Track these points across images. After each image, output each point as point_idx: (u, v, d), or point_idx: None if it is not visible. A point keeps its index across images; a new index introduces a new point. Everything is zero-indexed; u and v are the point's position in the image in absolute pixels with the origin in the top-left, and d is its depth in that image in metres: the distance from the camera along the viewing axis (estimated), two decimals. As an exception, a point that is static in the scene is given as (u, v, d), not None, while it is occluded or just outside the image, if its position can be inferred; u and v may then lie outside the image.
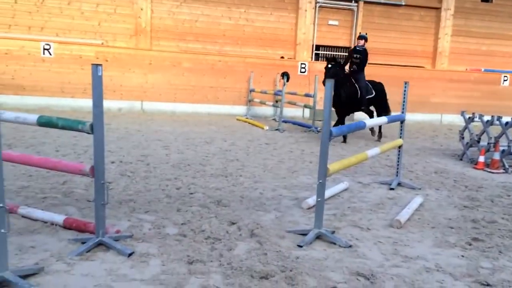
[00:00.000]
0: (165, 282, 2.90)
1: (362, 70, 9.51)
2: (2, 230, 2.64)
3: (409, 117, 13.01)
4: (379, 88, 9.84)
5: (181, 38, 13.30)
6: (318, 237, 3.76)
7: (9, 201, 4.08)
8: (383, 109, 9.92)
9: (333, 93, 8.17)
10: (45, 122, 3.36)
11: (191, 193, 4.89)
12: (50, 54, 11.58)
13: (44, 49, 11.52)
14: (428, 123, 14.25)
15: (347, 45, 14.89)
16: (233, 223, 4.00)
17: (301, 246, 3.59)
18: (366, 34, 9.77)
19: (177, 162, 6.39)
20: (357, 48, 9.51)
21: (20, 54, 11.40)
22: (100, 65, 3.14)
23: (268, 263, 3.23)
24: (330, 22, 14.71)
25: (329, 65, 9.02)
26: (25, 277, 2.80)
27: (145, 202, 4.48)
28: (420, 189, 5.67)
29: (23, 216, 3.84)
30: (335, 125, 8.80)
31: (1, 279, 2.68)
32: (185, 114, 12.37)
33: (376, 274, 3.17)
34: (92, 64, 3.11)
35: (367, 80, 9.67)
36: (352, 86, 9.27)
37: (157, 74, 12.47)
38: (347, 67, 9.57)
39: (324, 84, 7.69)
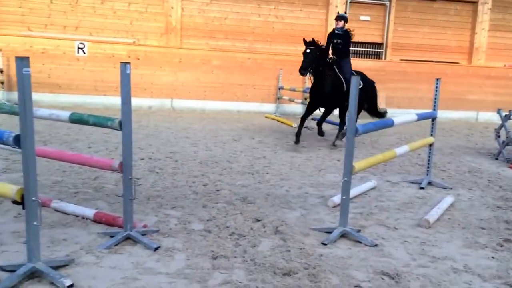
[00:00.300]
0: (189, 276, 2.96)
1: (346, 56, 8.06)
2: (35, 223, 2.74)
3: (443, 114, 12.74)
4: (369, 82, 8.37)
5: (211, 35, 13.40)
6: (343, 235, 3.74)
7: (43, 195, 4.24)
8: (370, 106, 8.61)
9: (314, 84, 7.59)
10: (77, 119, 3.47)
11: (218, 190, 4.94)
12: (84, 53, 11.89)
13: (79, 48, 11.84)
14: (464, 121, 13.87)
15: (379, 41, 14.66)
16: (258, 220, 4.03)
17: (325, 244, 3.58)
18: (346, 13, 8.46)
19: (204, 159, 6.47)
20: (336, 31, 7.96)
21: (55, 53, 11.75)
22: (129, 63, 3.22)
23: (292, 260, 3.24)
24: (362, 17, 14.51)
25: (307, 50, 7.39)
26: (56, 268, 2.90)
27: (172, 198, 4.56)
28: (451, 188, 5.54)
29: (56, 210, 3.97)
30: (318, 123, 7.94)
31: (33, 269, 2.79)
32: (214, 112, 12.48)
33: (402, 273, 3.13)
34: (120, 62, 3.19)
35: (354, 71, 8.25)
36: (335, 77, 7.75)
37: (187, 72, 12.61)
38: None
39: (300, 73, 7.30)
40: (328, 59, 7.76)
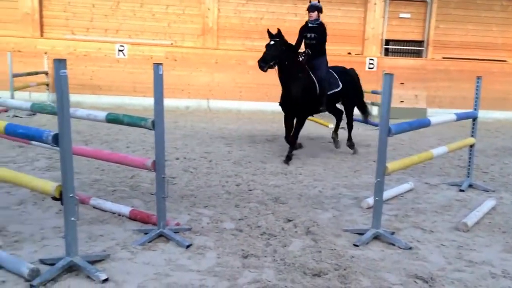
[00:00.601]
0: (219, 274, 2.99)
1: (322, 54, 6.79)
2: (72, 218, 2.85)
3: (488, 114, 12.28)
4: (348, 78, 7.21)
5: (247, 36, 13.46)
6: (376, 237, 3.68)
7: (83, 193, 4.40)
8: (357, 107, 7.70)
9: (282, 89, 6.36)
10: (113, 119, 3.59)
11: (250, 190, 4.97)
12: (124, 55, 12.22)
13: (119, 50, 12.18)
14: (510, 121, 13.31)
15: (419, 38, 14.29)
16: (290, 220, 4.03)
17: (357, 246, 3.54)
18: (319, 1, 6.92)
19: (238, 159, 6.51)
20: (310, 24, 6.73)
21: (97, 56, 12.13)
22: (161, 64, 3.29)
23: (322, 260, 3.22)
24: (402, 15, 14.18)
25: (271, 42, 6.09)
26: (93, 262, 3.01)
27: (205, 197, 4.63)
28: (494, 191, 5.34)
29: (94, 207, 4.11)
30: (288, 136, 6.66)
31: (71, 263, 2.90)
32: (250, 112, 12.53)
33: (436, 277, 3.06)
34: (153, 63, 3.27)
35: (331, 67, 7.03)
36: (307, 78, 6.45)
37: (223, 72, 12.73)
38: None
39: (260, 67, 6.02)
40: (300, 56, 6.56)
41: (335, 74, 6.93)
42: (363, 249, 3.51)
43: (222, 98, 12.72)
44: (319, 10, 6.77)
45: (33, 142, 4.27)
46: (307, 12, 6.81)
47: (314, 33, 6.68)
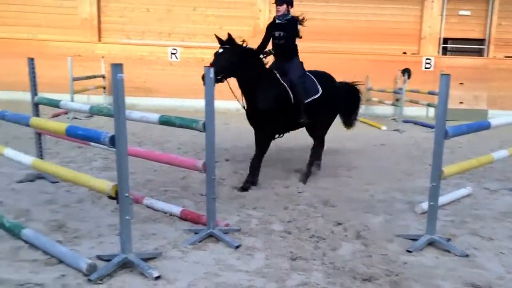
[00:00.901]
0: (267, 275, 3.00)
1: (293, 55, 5.66)
2: (127, 217, 2.96)
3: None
4: (328, 82, 5.85)
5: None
6: (431, 243, 3.56)
7: (137, 193, 4.55)
8: (342, 114, 6.35)
9: (246, 103, 5.22)
10: (165, 121, 3.70)
11: (299, 192, 4.95)
12: (177, 58, 12.53)
13: (171, 53, 12.51)
14: None
15: (480, 37, 13.65)
16: (339, 224, 3.97)
17: (410, 252, 3.44)
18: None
19: (287, 161, 6.49)
20: (277, 20, 5.61)
21: (150, 59, 12.52)
22: (212, 67, 3.35)
23: (373, 265, 3.16)
24: (461, 12, 13.61)
25: (220, 50, 5.13)
26: (146, 260, 3.10)
27: (254, 199, 4.65)
28: (561, 197, 5.01)
29: (147, 207, 4.24)
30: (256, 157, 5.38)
31: (126, 260, 3.01)
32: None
33: (494, 286, 2.91)
34: (204, 66, 3.33)
35: (308, 71, 5.80)
36: (277, 86, 5.33)
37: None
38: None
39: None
40: (262, 57, 5.53)
41: (312, 77, 5.73)
42: (417, 255, 3.40)
43: (273, 99, 12.72)
44: (289, 3, 5.58)
45: (91, 143, 4.48)
46: (275, 6, 5.61)
47: (283, 31, 5.55)
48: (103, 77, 11.77)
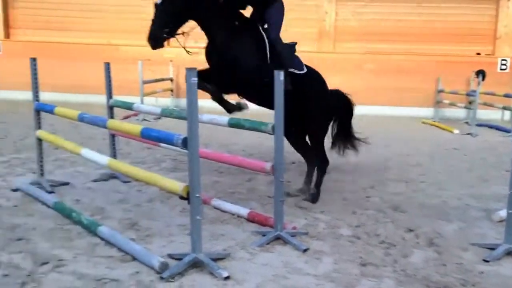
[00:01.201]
0: (336, 280, 2.96)
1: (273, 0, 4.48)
2: (198, 217, 3.03)
3: None
4: (313, 75, 4.91)
5: (365, 39, 13.12)
6: (510, 253, 3.34)
7: (205, 194, 4.66)
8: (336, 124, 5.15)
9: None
10: (234, 123, 3.77)
11: (367, 197, 4.84)
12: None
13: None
14: None
15: None
16: (410, 230, 3.84)
17: (487, 261, 3.25)
18: None
19: (354, 165, 6.37)
20: None
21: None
22: (282, 70, 3.36)
23: (447, 274, 3.02)
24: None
25: (158, 1, 4.11)
26: (215, 260, 3.15)
27: (320, 203, 4.60)
28: None
29: (215, 207, 4.32)
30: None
31: (196, 260, 3.07)
32: (367, 117, 12.18)
33: None
34: (275, 70, 3.35)
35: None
36: (249, 29, 4.38)
37: (339, 76, 12.53)
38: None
39: (151, 46, 4.19)
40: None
41: (300, 59, 4.80)
42: (494, 265, 3.21)
43: (338, 102, 12.54)
44: None
45: (161, 145, 4.64)
46: None
47: None
48: (171, 80, 12.18)
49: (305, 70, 4.68)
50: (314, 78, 4.82)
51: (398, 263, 3.22)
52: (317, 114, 4.70)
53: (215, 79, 4.27)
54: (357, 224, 3.98)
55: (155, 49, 4.23)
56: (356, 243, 3.57)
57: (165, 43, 4.34)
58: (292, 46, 4.71)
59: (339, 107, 5.16)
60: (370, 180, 5.57)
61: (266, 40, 4.36)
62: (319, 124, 4.78)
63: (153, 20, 4.10)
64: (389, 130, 9.92)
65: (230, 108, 4.48)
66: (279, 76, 3.34)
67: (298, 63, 4.67)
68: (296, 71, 4.57)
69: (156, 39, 4.15)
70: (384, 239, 3.65)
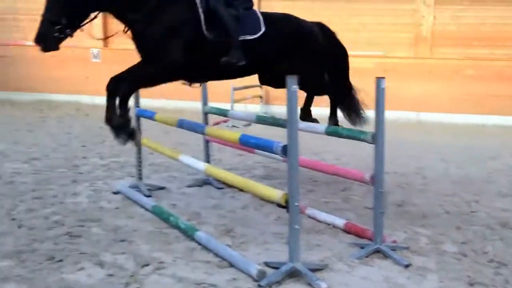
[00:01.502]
0: (443, 299, 2.78)
1: None
2: (296, 226, 3.00)
3: None
4: (287, 22, 4.41)
5: (465, 43, 12.37)
6: None
7: (300, 202, 4.62)
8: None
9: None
10: (332, 132, 3.71)
11: (472, 212, 4.52)
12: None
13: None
14: None
15: None
16: (523, 249, 3.51)
17: None
18: None
19: (456, 177, 5.99)
20: None
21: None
22: (383, 78, 3.26)
23: None
24: None
25: None
26: (312, 270, 3.09)
27: (421, 216, 4.38)
28: None
29: (309, 217, 4.26)
30: None
31: (293, 269, 3.04)
32: (466, 126, 11.42)
33: None
34: (376, 77, 3.26)
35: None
36: (172, 10, 3.82)
37: (436, 83, 11.94)
38: None
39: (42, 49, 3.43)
40: None
41: (258, 15, 4.18)
42: None
43: (434, 110, 11.92)
44: None
45: (257, 151, 4.67)
46: None
47: None
48: (260, 86, 12.35)
49: (263, 30, 4.09)
50: (283, 31, 4.26)
51: (509, 283, 2.99)
52: (307, 71, 4.31)
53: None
54: (463, 241, 3.73)
55: (47, 52, 3.47)
56: (462, 261, 3.34)
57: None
58: (245, 2, 4.08)
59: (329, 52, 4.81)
60: (474, 193, 5.20)
61: (200, 9, 3.83)
62: (314, 78, 4.56)
63: (42, 15, 3.34)
64: (494, 140, 9.18)
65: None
66: (380, 84, 3.24)
67: (253, 26, 4.08)
68: (248, 36, 4.03)
69: (45, 42, 3.42)
70: (493, 258, 3.40)
